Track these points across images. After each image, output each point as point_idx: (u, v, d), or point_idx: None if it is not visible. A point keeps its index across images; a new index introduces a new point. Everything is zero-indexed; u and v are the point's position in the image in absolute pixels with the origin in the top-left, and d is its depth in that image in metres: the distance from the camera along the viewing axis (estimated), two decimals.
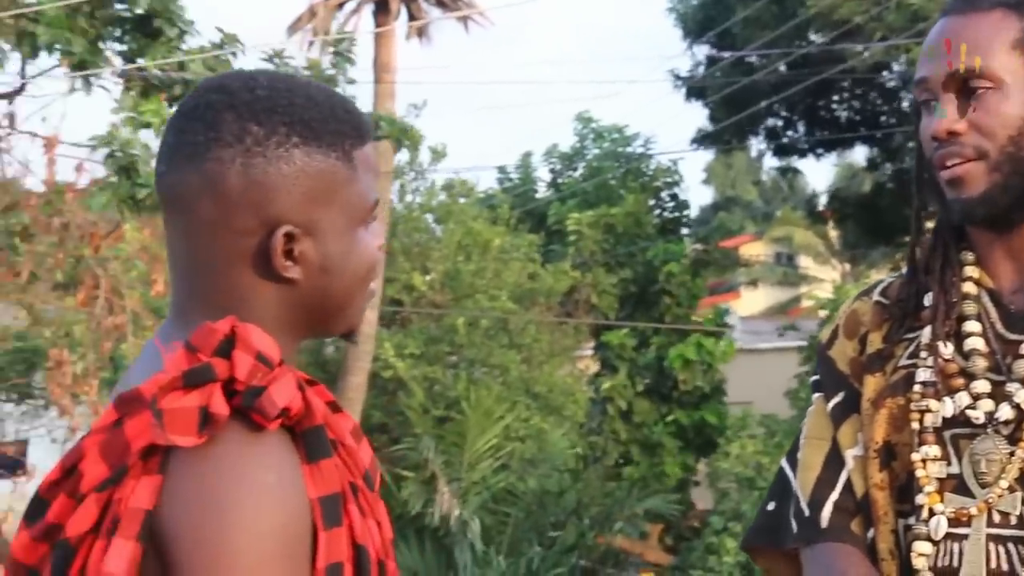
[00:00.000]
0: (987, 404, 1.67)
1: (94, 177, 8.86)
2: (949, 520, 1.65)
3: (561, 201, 19.45)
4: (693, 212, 22.27)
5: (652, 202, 19.31)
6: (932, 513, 1.66)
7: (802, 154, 20.01)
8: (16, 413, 14.00)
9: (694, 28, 18.68)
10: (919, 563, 1.66)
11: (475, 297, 16.51)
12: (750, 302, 29.68)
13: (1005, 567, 1.63)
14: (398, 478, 14.52)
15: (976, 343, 1.70)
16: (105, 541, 1.16)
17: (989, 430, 1.66)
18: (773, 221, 30.12)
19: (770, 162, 25.08)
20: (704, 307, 18.96)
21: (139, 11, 8.30)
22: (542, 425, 15.84)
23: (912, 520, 1.68)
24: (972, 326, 1.71)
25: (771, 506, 1.85)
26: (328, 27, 15.97)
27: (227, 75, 1.33)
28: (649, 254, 18.21)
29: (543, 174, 21.02)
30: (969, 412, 1.67)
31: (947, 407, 1.68)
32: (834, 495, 1.74)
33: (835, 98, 19.16)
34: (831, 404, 1.79)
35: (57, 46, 7.97)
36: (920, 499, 1.67)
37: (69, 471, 1.22)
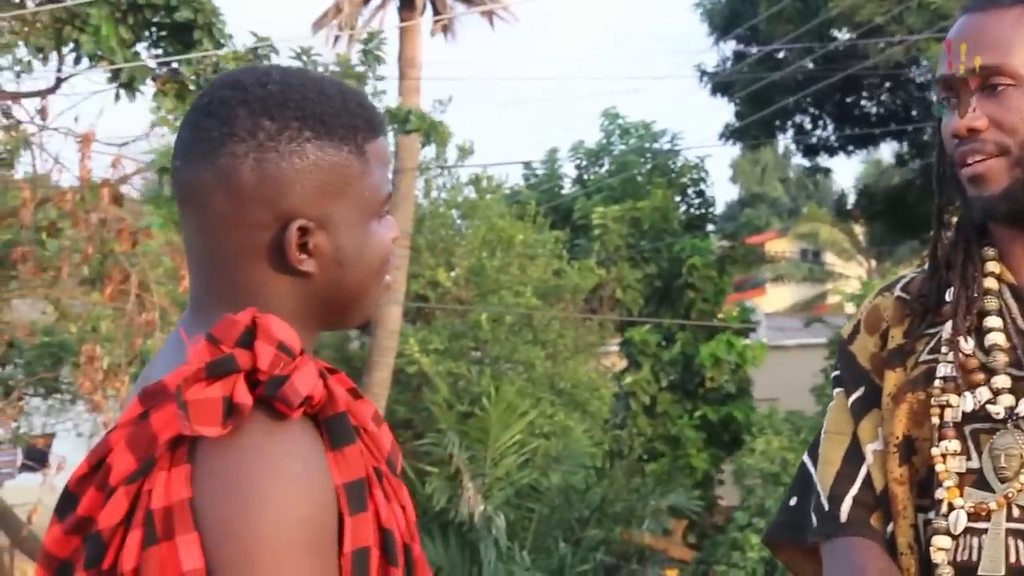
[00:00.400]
0: (1007, 399, 1.67)
1: (124, 173, 8.93)
2: (968, 515, 1.65)
3: (587, 196, 19.45)
4: (719, 209, 22.24)
5: (678, 198, 19.28)
6: (952, 508, 1.66)
7: (830, 151, 19.94)
8: (43, 407, 14.10)
9: (720, 24, 18.64)
10: (938, 557, 1.66)
11: (500, 293, 16.52)
12: (776, 299, 29.61)
13: None
14: (422, 474, 14.54)
15: (997, 338, 1.70)
16: (142, 532, 1.18)
17: (1009, 425, 1.66)
18: (799, 217, 30.03)
19: (797, 159, 25.02)
20: (729, 303, 18.93)
21: (180, 19, 8.33)
22: (566, 421, 15.84)
23: (932, 515, 1.69)
24: (993, 321, 1.72)
25: (793, 501, 1.85)
26: (354, 22, 16.00)
27: (241, 71, 1.34)
28: (675, 249, 18.18)
29: (569, 170, 21.02)
30: (989, 407, 1.67)
31: (967, 402, 1.68)
32: (853, 490, 1.74)
33: (863, 94, 19.09)
34: (852, 399, 1.79)
35: (99, 53, 8.03)
36: (940, 494, 1.67)
37: (97, 465, 1.23)
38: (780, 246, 28.92)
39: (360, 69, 11.20)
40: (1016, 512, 1.64)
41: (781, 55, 18.07)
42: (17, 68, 8.96)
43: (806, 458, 1.86)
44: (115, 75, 8.16)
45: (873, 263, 28.80)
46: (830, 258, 29.23)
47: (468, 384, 15.65)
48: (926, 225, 1.85)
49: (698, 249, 18.09)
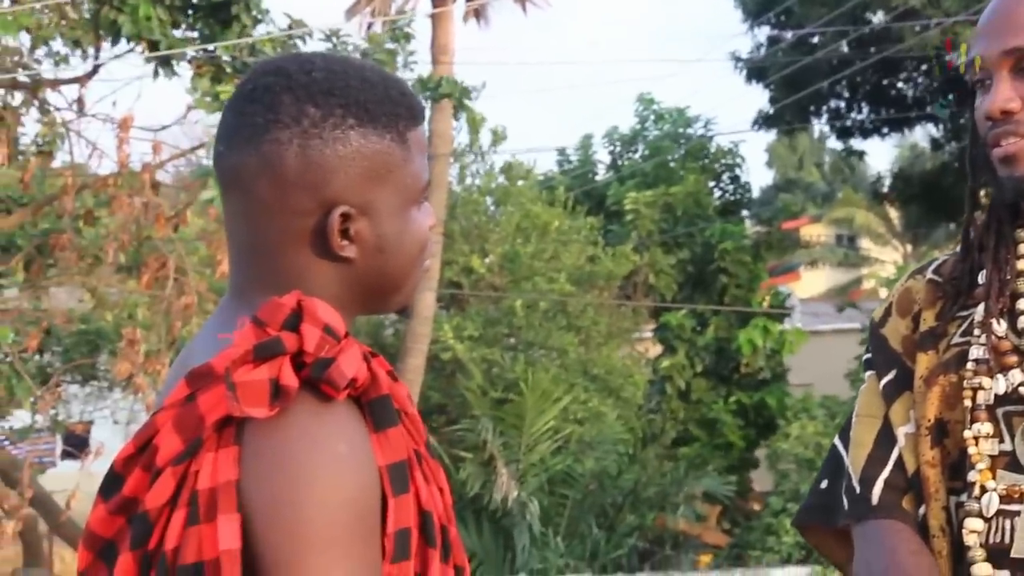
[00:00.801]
0: None
1: (161, 159, 8.97)
2: (1001, 497, 1.65)
3: (620, 182, 19.41)
4: (755, 194, 22.15)
5: (712, 184, 19.21)
6: (984, 490, 1.66)
7: (865, 134, 19.81)
8: (81, 395, 14.21)
9: (754, 9, 18.54)
10: (971, 540, 1.66)
11: (533, 279, 16.53)
12: (810, 284, 29.45)
13: None
14: (456, 459, 14.59)
15: None
16: (186, 511, 1.19)
17: None
18: (834, 202, 29.82)
19: (832, 143, 24.88)
20: (763, 289, 18.87)
21: None
22: (600, 407, 15.84)
23: (964, 497, 1.68)
24: None
25: (824, 484, 1.85)
26: (387, 9, 16.01)
27: (284, 58, 1.35)
28: (707, 234, 18.13)
29: (603, 156, 20.98)
30: (1022, 390, 1.67)
31: (1000, 384, 1.68)
32: (885, 472, 1.74)
33: (901, 76, 18.95)
34: (883, 382, 1.79)
35: (140, 35, 8.05)
36: (972, 476, 1.67)
37: (143, 446, 1.25)
38: (815, 231, 28.78)
39: (390, 46, 11.18)
40: None
41: (815, 39, 17.96)
42: (55, 59, 9.03)
43: (837, 441, 1.85)
44: (154, 49, 8.17)
45: (909, 248, 28.61)
46: (865, 243, 29.06)
47: (502, 370, 15.68)
48: (961, 209, 1.84)
49: (731, 234, 18.04)
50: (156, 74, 8.31)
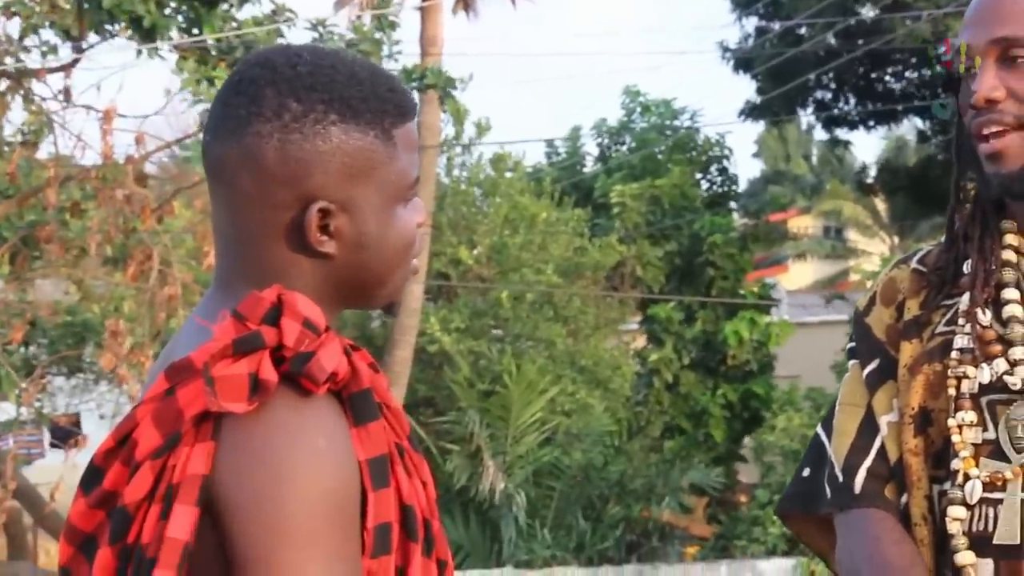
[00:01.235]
0: None
1: (146, 150, 8.95)
2: (984, 485, 1.65)
3: (607, 174, 19.41)
4: (743, 185, 22.16)
5: (700, 175, 19.22)
6: (967, 478, 1.66)
7: (851, 126, 19.84)
8: (67, 387, 14.18)
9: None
10: (953, 528, 1.66)
11: (521, 271, 16.54)
12: (798, 276, 29.53)
13: None
14: (443, 451, 14.60)
15: (1015, 310, 1.70)
16: (160, 507, 1.19)
17: None
18: (822, 194, 29.88)
19: (820, 135, 24.92)
20: (750, 281, 18.89)
21: None
22: (587, 399, 15.86)
23: (947, 485, 1.69)
24: (1011, 293, 1.72)
25: (806, 472, 1.86)
26: (375, 2, 15.97)
27: (273, 49, 1.35)
28: (695, 226, 18.14)
29: (591, 148, 20.98)
30: (1007, 378, 1.68)
31: (984, 373, 1.69)
32: (868, 461, 1.74)
33: (887, 70, 18.97)
34: (867, 371, 1.80)
35: (122, 8, 7.97)
36: (955, 464, 1.67)
37: (123, 440, 1.24)
38: (803, 223, 28.85)
39: (377, 36, 11.14)
40: None
41: (803, 30, 17.97)
42: (43, 49, 8.97)
43: (820, 430, 1.86)
44: (138, 26, 8.10)
45: (895, 239, 28.68)
46: (852, 235, 29.13)
47: (489, 362, 15.69)
48: (947, 201, 1.84)
49: (718, 226, 18.05)
50: (139, 53, 8.24)
